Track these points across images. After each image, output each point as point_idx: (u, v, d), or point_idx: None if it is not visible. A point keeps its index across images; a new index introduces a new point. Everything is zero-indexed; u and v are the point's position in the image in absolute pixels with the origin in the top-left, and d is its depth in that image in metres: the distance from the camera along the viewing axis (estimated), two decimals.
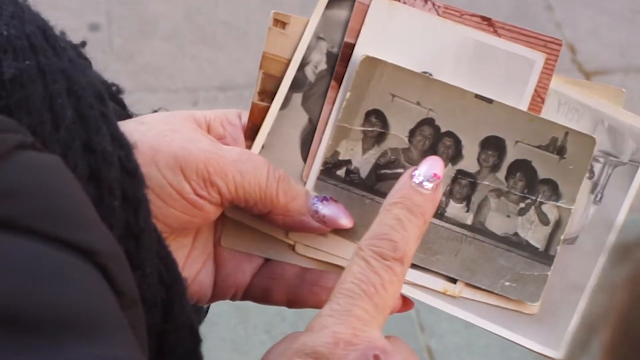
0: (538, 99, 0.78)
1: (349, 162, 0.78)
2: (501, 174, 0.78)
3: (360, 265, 0.67)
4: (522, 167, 0.78)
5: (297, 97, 0.78)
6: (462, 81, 0.78)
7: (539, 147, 0.78)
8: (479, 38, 0.78)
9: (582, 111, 0.79)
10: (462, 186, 0.78)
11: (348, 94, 0.78)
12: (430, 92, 0.77)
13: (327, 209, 0.76)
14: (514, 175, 0.78)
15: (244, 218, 0.77)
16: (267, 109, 0.78)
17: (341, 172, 0.78)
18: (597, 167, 0.79)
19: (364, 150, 0.78)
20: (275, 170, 0.75)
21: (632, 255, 0.49)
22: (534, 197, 0.78)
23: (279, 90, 0.78)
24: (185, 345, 0.72)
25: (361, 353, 0.64)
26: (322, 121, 0.78)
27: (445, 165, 0.77)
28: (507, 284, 0.78)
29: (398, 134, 0.78)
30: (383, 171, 0.78)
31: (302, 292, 0.78)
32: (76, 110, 0.66)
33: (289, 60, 0.78)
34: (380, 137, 0.78)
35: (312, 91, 0.78)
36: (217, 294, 0.79)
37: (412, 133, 0.78)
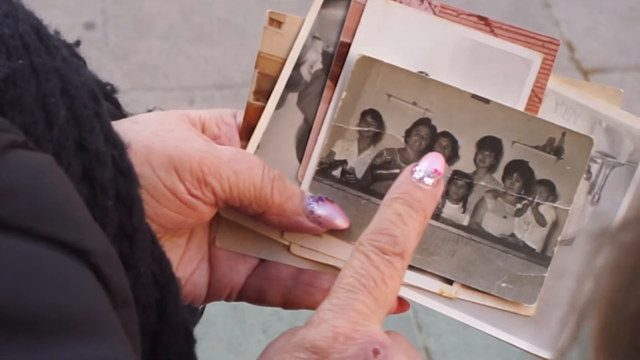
0: (535, 99, 0.78)
1: (344, 162, 0.78)
2: (498, 174, 0.78)
3: (361, 260, 0.67)
4: (519, 168, 0.77)
5: (293, 97, 0.78)
6: (458, 81, 0.77)
7: (536, 147, 0.77)
8: (475, 38, 0.78)
9: (580, 111, 0.79)
10: (458, 187, 0.78)
11: (344, 93, 0.77)
12: (427, 92, 0.77)
13: (323, 209, 0.76)
14: (510, 175, 0.78)
15: (239, 218, 0.77)
16: (262, 108, 0.78)
17: (337, 173, 0.78)
18: (594, 167, 0.79)
19: (360, 151, 0.78)
20: (271, 170, 0.74)
21: (616, 240, 0.49)
22: (530, 198, 0.78)
23: (275, 90, 0.78)
24: (179, 346, 0.71)
25: (360, 347, 0.64)
26: (317, 121, 0.78)
27: None
28: (503, 285, 0.78)
29: (394, 134, 0.77)
30: (379, 171, 0.78)
31: (297, 292, 0.77)
32: (70, 110, 0.66)
33: (285, 60, 0.78)
34: (376, 137, 0.78)
35: (307, 91, 0.78)
36: (212, 295, 0.79)
37: (408, 133, 0.77)
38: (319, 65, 0.78)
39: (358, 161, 0.78)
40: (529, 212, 0.78)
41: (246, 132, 0.78)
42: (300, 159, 0.78)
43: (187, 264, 0.77)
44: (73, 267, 0.58)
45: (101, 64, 2.75)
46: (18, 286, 0.55)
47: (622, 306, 0.46)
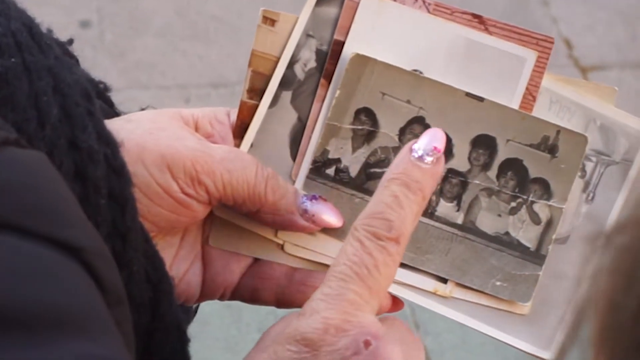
0: (529, 97, 0.78)
1: (338, 160, 0.78)
2: (492, 172, 0.78)
3: (354, 246, 0.67)
4: (513, 166, 0.77)
5: (287, 95, 0.78)
6: (452, 79, 0.77)
7: (530, 145, 0.77)
8: (470, 36, 0.78)
9: (574, 110, 0.79)
10: (452, 185, 0.78)
11: (338, 91, 0.77)
12: (421, 90, 0.77)
13: (316, 208, 0.75)
14: (505, 174, 0.78)
15: (233, 217, 0.77)
16: (256, 107, 0.78)
17: (331, 171, 0.78)
18: (589, 166, 0.79)
19: (354, 149, 0.78)
20: (264, 169, 0.74)
21: (613, 242, 0.49)
22: (525, 196, 0.78)
23: (268, 88, 0.77)
24: (172, 345, 0.71)
25: (352, 339, 0.64)
26: (311, 119, 0.78)
27: None
28: (498, 283, 0.78)
29: (388, 133, 0.77)
30: (373, 170, 0.77)
31: (290, 292, 0.77)
32: (62, 108, 0.66)
33: (278, 58, 0.77)
34: (370, 136, 0.77)
35: (301, 89, 0.78)
36: (206, 294, 0.79)
37: (402, 131, 0.77)
38: (312, 64, 0.78)
39: (352, 159, 0.78)
40: (523, 210, 0.78)
41: (240, 131, 0.78)
42: (294, 158, 0.78)
43: (180, 263, 0.77)
44: (66, 264, 0.58)
45: (96, 62, 2.75)
46: (10, 284, 0.54)
47: (620, 307, 0.46)
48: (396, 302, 0.77)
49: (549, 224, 0.78)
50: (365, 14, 0.77)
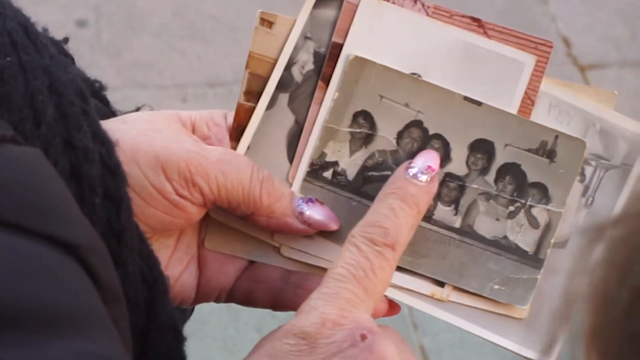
0: (528, 101, 0.78)
1: (336, 163, 0.77)
2: (490, 177, 0.77)
3: (351, 251, 0.69)
4: (511, 171, 0.77)
5: (284, 98, 0.77)
6: (451, 83, 0.77)
7: (528, 150, 0.77)
8: (468, 39, 0.77)
9: (573, 114, 0.78)
10: (450, 189, 0.77)
11: (336, 94, 0.77)
12: (419, 93, 0.77)
13: (312, 211, 0.75)
14: (503, 178, 0.77)
15: (229, 220, 0.77)
16: (253, 109, 0.77)
17: (328, 174, 0.77)
18: (588, 170, 0.78)
19: (352, 152, 0.77)
20: (260, 171, 0.74)
21: (607, 235, 0.49)
22: (523, 201, 0.77)
23: (265, 91, 0.77)
24: (168, 344, 0.72)
25: (348, 333, 0.65)
26: (309, 122, 0.78)
27: None
28: (495, 287, 0.77)
29: (386, 136, 0.77)
30: (370, 173, 0.77)
31: (286, 295, 0.77)
32: (57, 107, 0.66)
33: (276, 60, 0.77)
34: (367, 139, 0.77)
35: (298, 91, 0.77)
36: (201, 296, 0.79)
37: (400, 135, 0.77)
38: (310, 66, 0.78)
39: (349, 163, 0.77)
40: (521, 214, 0.78)
41: (236, 133, 0.78)
42: (291, 160, 0.78)
43: (175, 264, 0.77)
44: (63, 262, 0.58)
45: (93, 61, 2.75)
46: (8, 282, 0.55)
47: (613, 300, 0.47)
48: (393, 306, 0.77)
49: (548, 228, 0.78)
50: (363, 17, 0.77)
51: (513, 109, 0.77)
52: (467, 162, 0.77)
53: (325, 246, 0.77)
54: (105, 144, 0.67)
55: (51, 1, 2.90)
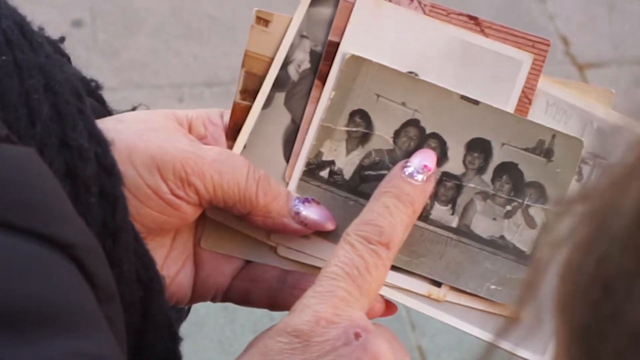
0: (525, 100, 0.78)
1: (332, 162, 0.77)
2: (487, 176, 0.77)
3: (346, 249, 0.69)
4: (508, 170, 0.77)
5: (280, 97, 0.77)
6: (448, 82, 0.77)
7: (525, 149, 0.77)
8: (465, 38, 0.77)
9: (571, 112, 0.78)
10: (447, 188, 0.77)
11: (333, 93, 0.77)
12: (416, 92, 0.77)
13: (309, 211, 0.75)
14: (500, 177, 0.77)
15: (225, 219, 0.76)
16: (249, 108, 0.77)
17: (324, 173, 0.77)
18: (585, 169, 0.78)
19: (348, 151, 0.77)
20: (256, 171, 0.74)
21: (574, 209, 0.50)
22: (520, 200, 0.77)
23: (261, 90, 0.77)
24: (163, 344, 0.72)
25: (342, 331, 0.65)
26: (305, 121, 0.77)
27: None
28: (492, 287, 0.77)
29: (383, 135, 0.77)
30: (367, 172, 0.77)
31: (283, 294, 0.77)
32: (53, 106, 0.66)
33: (272, 59, 0.77)
34: (364, 138, 0.77)
35: (295, 90, 0.77)
36: (197, 296, 0.79)
37: (396, 134, 0.77)
38: (306, 65, 0.77)
39: (346, 162, 0.77)
40: (518, 214, 0.77)
41: (233, 132, 0.77)
42: (287, 160, 0.78)
43: (171, 264, 0.76)
44: (57, 261, 0.58)
45: (90, 61, 2.74)
46: (0, 280, 0.55)
47: (578, 271, 0.47)
48: (389, 306, 0.77)
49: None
50: (360, 15, 0.77)
51: (510, 108, 0.77)
52: (464, 162, 0.77)
53: (322, 246, 0.77)
54: (101, 143, 0.67)
55: (47, 1, 2.90)
